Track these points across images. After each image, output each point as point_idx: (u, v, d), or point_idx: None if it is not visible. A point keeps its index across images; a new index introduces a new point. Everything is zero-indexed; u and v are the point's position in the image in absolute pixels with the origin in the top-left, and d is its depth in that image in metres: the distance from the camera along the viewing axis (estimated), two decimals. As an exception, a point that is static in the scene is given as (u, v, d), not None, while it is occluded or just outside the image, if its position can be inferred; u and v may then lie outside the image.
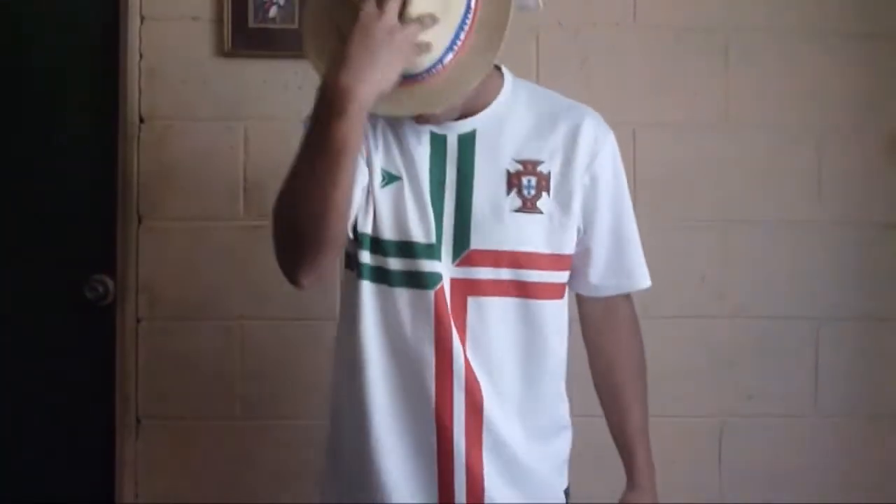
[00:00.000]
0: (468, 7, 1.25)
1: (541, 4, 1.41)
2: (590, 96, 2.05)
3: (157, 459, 2.05)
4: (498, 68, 1.41)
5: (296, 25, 2.00)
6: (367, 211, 1.33)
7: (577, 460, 2.08)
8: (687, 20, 2.08)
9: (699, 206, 2.10)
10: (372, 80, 1.15)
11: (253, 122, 2.04)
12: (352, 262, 1.37)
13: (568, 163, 1.35)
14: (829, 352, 2.12)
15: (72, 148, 2.06)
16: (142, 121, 2.04)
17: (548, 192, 1.34)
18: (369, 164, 1.33)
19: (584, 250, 1.42)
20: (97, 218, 2.05)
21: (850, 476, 2.13)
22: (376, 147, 1.34)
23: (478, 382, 1.33)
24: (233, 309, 2.05)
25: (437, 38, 1.21)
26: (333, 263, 1.45)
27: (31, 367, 2.07)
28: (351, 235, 1.33)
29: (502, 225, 1.32)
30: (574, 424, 2.07)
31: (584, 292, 1.49)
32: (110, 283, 2.04)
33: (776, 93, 2.10)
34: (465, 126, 1.34)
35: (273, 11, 2.01)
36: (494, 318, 1.34)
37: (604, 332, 1.53)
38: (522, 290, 1.34)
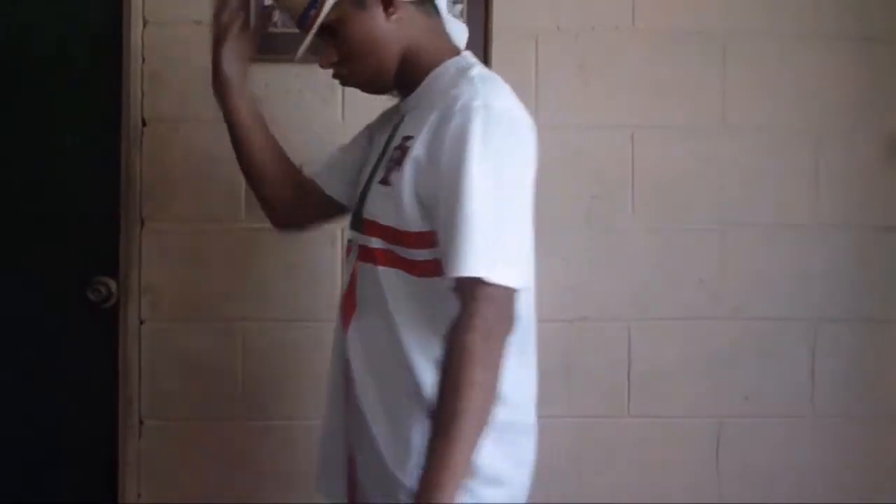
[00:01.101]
0: None
1: None
2: (588, 99, 2.10)
3: (160, 460, 2.06)
4: (457, 52, 1.47)
5: (297, 30, 2.01)
6: None
7: (578, 460, 2.11)
8: (685, 24, 2.09)
9: (697, 209, 2.11)
10: (224, 71, 1.55)
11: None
12: None
13: (428, 134, 1.34)
14: (826, 353, 2.13)
15: (75, 150, 2.07)
16: (144, 124, 2.05)
17: (400, 165, 1.36)
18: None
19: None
20: (100, 220, 2.06)
21: (847, 476, 2.14)
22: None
23: (349, 351, 1.42)
24: (235, 310, 2.06)
25: None
26: (308, 221, 1.71)
27: (35, 368, 2.08)
28: None
29: (371, 194, 1.44)
30: (577, 423, 2.10)
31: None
32: (113, 284, 2.05)
33: (773, 96, 2.11)
34: (406, 106, 1.47)
35: (275, 16, 2.01)
36: (361, 280, 1.42)
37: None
38: (373, 258, 1.39)
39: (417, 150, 1.34)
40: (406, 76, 1.45)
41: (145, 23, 2.04)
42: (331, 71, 1.46)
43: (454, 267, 1.25)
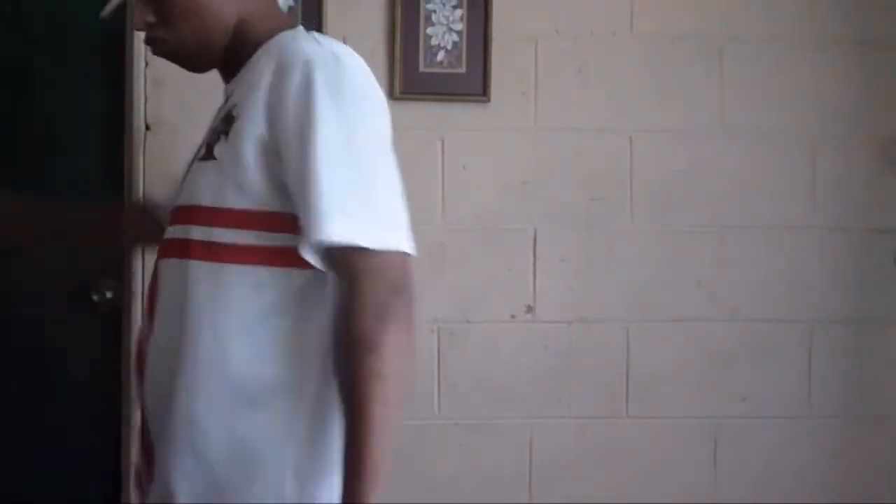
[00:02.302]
0: None
1: None
2: (587, 103, 2.12)
3: (163, 460, 2.08)
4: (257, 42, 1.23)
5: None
6: None
7: (576, 460, 2.13)
8: (683, 29, 2.11)
9: (695, 212, 2.13)
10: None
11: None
12: None
13: (247, 102, 1.13)
14: (823, 354, 2.15)
15: (79, 154, 2.09)
16: (148, 128, 2.06)
17: (226, 135, 1.13)
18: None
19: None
20: (104, 223, 2.08)
21: (844, 476, 2.15)
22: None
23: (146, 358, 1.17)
24: (237, 312, 2.07)
25: None
26: None
27: (39, 369, 2.09)
28: None
29: (189, 179, 1.19)
30: (577, 424, 2.12)
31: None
32: (116, 286, 2.06)
33: (771, 100, 2.13)
34: (229, 90, 1.26)
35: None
36: (164, 280, 1.17)
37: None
38: (183, 250, 1.14)
39: (251, 111, 1.11)
40: (235, 52, 1.21)
41: (148, 27, 2.06)
42: None
43: (315, 231, 1.03)
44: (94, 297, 2.05)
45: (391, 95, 2.05)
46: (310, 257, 1.06)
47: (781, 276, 2.14)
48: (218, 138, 1.14)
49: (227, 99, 1.24)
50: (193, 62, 1.25)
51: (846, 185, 2.15)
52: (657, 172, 2.11)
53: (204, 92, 1.99)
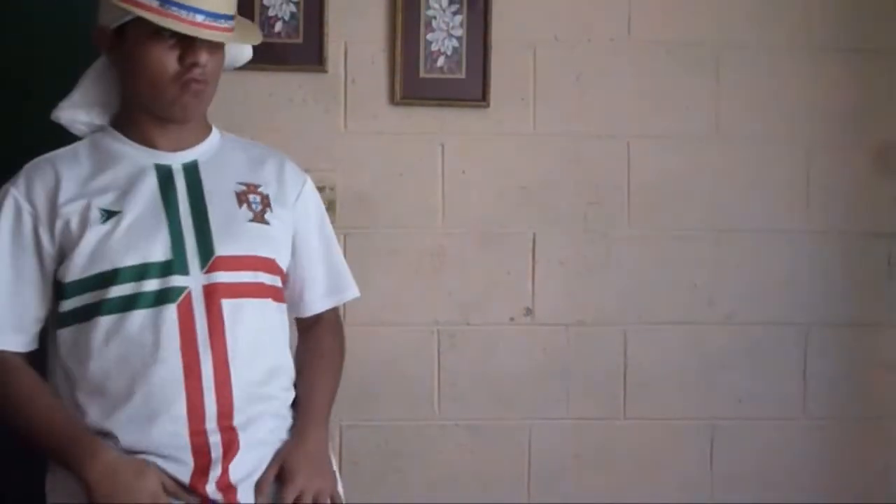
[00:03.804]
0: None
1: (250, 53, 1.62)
2: (585, 109, 2.14)
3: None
4: (209, 125, 1.57)
5: (301, 40, 2.05)
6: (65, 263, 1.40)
7: (575, 461, 2.15)
8: (679, 36, 2.13)
9: (691, 216, 2.15)
10: None
11: (258, 134, 2.05)
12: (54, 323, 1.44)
13: (281, 189, 1.54)
14: (817, 356, 2.17)
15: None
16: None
17: (270, 208, 1.51)
18: (61, 236, 1.41)
19: (299, 280, 1.59)
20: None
21: (838, 477, 2.18)
22: (87, 195, 1.42)
23: (230, 384, 1.40)
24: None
25: (231, 6, 1.45)
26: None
27: (43, 372, 2.10)
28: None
29: (241, 232, 1.47)
30: (575, 425, 2.14)
31: (302, 314, 1.63)
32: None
33: (765, 106, 2.15)
34: (187, 156, 1.50)
35: (279, 26, 2.05)
36: (246, 316, 1.43)
37: (312, 331, 1.63)
38: (260, 292, 1.47)
39: (276, 195, 1.53)
40: (194, 124, 1.50)
41: (152, 33, 2.07)
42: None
43: (348, 294, 1.65)
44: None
45: (392, 101, 2.08)
46: (300, 314, 1.64)
47: (776, 280, 2.16)
48: (265, 210, 1.50)
49: (191, 166, 1.50)
50: (195, 112, 1.48)
51: (840, 189, 2.17)
52: (654, 177, 2.14)
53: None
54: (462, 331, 2.11)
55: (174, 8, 1.37)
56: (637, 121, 2.13)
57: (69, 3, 2.10)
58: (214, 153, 1.53)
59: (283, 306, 1.54)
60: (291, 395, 1.52)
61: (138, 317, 1.37)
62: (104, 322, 1.38)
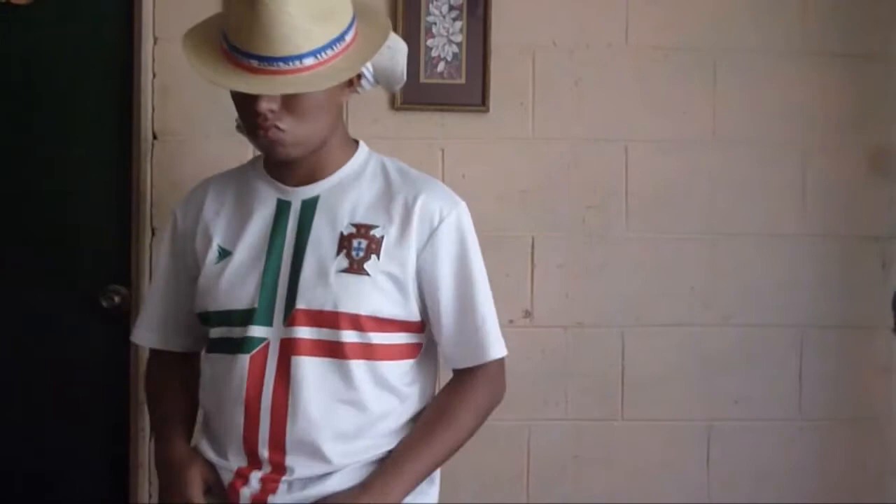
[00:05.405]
0: (342, 37, 1.31)
1: (403, 77, 1.52)
2: (583, 113, 2.15)
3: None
4: (356, 142, 1.49)
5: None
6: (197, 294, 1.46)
7: (573, 462, 2.16)
8: (676, 41, 2.14)
9: (688, 219, 2.16)
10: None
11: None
12: None
13: (404, 232, 1.39)
14: (813, 358, 2.18)
15: (88, 163, 2.11)
16: (155, 137, 2.08)
17: (377, 255, 1.37)
18: (195, 256, 1.48)
19: (434, 322, 1.45)
20: (112, 230, 2.11)
21: (833, 477, 2.19)
22: (215, 227, 1.46)
23: (283, 445, 1.36)
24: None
25: (305, 41, 1.26)
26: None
27: (49, 372, 2.11)
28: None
29: (325, 285, 1.35)
30: (573, 426, 2.15)
31: (444, 363, 1.52)
32: (125, 292, 2.09)
33: (762, 110, 2.16)
34: (309, 192, 1.42)
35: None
36: (309, 377, 1.35)
37: (459, 377, 1.51)
38: (335, 351, 1.35)
39: (396, 238, 1.39)
40: (320, 155, 1.40)
41: (156, 40, 2.08)
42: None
43: (486, 352, 1.46)
44: (103, 303, 2.08)
45: (392, 106, 2.10)
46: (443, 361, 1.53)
47: (773, 282, 2.17)
48: (368, 257, 1.36)
49: (312, 204, 1.41)
50: (286, 153, 1.36)
51: (836, 193, 2.18)
52: (652, 181, 2.15)
53: (210, 102, 2.03)
54: (462, 333, 2.12)
55: (235, 53, 1.27)
56: (635, 125, 2.14)
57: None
58: (341, 186, 1.42)
59: (379, 364, 1.38)
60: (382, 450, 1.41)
61: (221, 361, 1.42)
62: (206, 356, 1.49)
